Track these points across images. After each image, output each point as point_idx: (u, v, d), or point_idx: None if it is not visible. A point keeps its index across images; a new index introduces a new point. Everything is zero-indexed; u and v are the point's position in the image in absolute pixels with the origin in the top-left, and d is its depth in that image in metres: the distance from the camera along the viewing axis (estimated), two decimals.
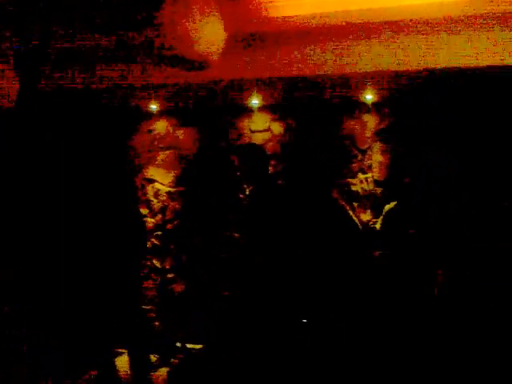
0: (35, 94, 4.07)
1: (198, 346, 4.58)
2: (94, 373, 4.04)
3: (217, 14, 3.03)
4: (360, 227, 4.31)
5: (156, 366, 4.02)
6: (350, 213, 4.33)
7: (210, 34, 2.97)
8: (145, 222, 5.22)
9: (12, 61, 3.32)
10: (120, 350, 4.12)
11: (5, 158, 4.37)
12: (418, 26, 3.92)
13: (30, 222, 4.66)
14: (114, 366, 3.90)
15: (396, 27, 3.96)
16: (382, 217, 4.03)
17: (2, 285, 4.03)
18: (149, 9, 2.93)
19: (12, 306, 3.98)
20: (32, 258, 4.40)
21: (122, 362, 4.05)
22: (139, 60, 3.69)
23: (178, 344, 4.65)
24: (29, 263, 4.36)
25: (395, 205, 3.96)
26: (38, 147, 4.80)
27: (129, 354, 4.09)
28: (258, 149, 3.99)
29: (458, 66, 3.84)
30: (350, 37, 4.05)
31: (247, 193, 4.83)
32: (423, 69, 4.02)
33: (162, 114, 5.36)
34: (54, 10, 3.40)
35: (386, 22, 3.96)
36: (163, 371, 4.20)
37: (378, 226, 4.04)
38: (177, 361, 4.47)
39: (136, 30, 3.19)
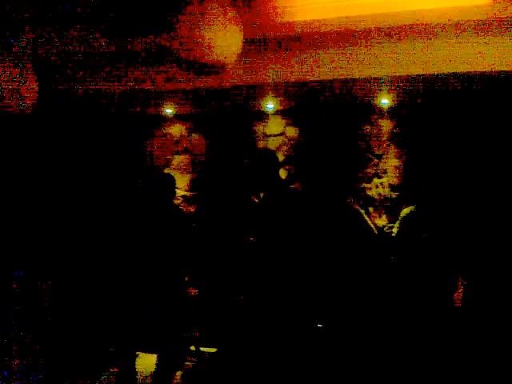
0: (54, 98, 4.12)
1: (212, 350, 4.58)
2: (113, 372, 4.10)
3: (233, 19, 3.04)
4: (376, 232, 4.29)
5: (171, 369, 4.03)
6: (366, 217, 4.31)
7: (226, 40, 2.98)
8: None
9: (31, 64, 3.37)
10: (138, 352, 4.15)
11: (24, 160, 4.43)
12: (434, 30, 3.89)
13: (42, 219, 4.71)
14: (133, 367, 3.94)
15: (412, 31, 3.94)
16: (398, 222, 4.00)
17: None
18: (167, 14, 2.95)
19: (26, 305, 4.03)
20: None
21: (140, 364, 4.09)
22: (156, 65, 3.72)
23: (192, 347, 4.66)
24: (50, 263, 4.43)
25: (412, 209, 3.93)
26: (56, 150, 4.86)
27: (146, 357, 4.15)
28: (269, 153, 4.00)
29: (475, 70, 3.81)
30: (366, 41, 4.04)
31: (261, 197, 4.83)
32: (439, 73, 3.99)
33: (177, 118, 5.40)
34: (72, 13, 3.44)
35: (401, 27, 3.94)
36: (177, 374, 4.21)
37: (394, 230, 4.01)
38: (191, 364, 4.48)
39: (154, 35, 3.22)
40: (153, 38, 3.12)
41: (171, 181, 4.18)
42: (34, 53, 3.32)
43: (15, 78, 3.24)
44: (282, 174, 4.98)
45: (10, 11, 3.32)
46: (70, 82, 3.84)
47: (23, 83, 3.28)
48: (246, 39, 3.25)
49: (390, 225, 4.37)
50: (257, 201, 4.96)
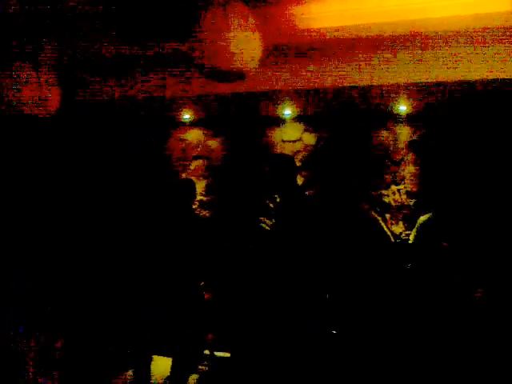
0: (74, 104, 4.19)
1: (226, 354, 4.59)
2: (128, 375, 4.14)
3: (254, 26, 3.07)
4: (392, 239, 4.28)
5: (186, 372, 4.06)
6: (383, 224, 4.30)
7: (247, 47, 3.01)
8: None
9: (52, 71, 3.43)
10: (153, 356, 4.18)
11: (45, 166, 4.50)
12: (453, 37, 3.88)
13: (65, 223, 4.77)
14: (148, 370, 3.97)
15: (431, 38, 3.93)
16: (415, 229, 3.99)
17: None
18: (188, 21, 2.99)
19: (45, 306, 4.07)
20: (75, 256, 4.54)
21: (155, 367, 4.12)
22: (176, 71, 3.77)
23: (207, 351, 4.68)
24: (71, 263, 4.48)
25: (429, 217, 3.91)
26: (77, 155, 4.93)
27: (161, 360, 4.17)
28: (288, 159, 4.02)
29: (495, 77, 3.79)
30: (383, 48, 4.04)
31: (277, 202, 4.85)
32: (458, 81, 3.97)
33: (195, 123, 5.45)
34: (92, 20, 3.50)
35: (419, 34, 3.93)
36: (192, 378, 4.23)
37: (411, 238, 3.99)
38: (205, 368, 4.49)
39: (175, 42, 3.27)
40: (173, 45, 3.16)
41: (192, 186, 4.22)
42: (56, 60, 3.39)
43: (38, 84, 3.31)
44: (299, 179, 4.99)
45: (33, 20, 3.39)
46: (90, 88, 3.91)
47: (46, 89, 3.34)
48: (266, 47, 3.27)
49: (407, 232, 4.36)
50: (272, 205, 4.99)
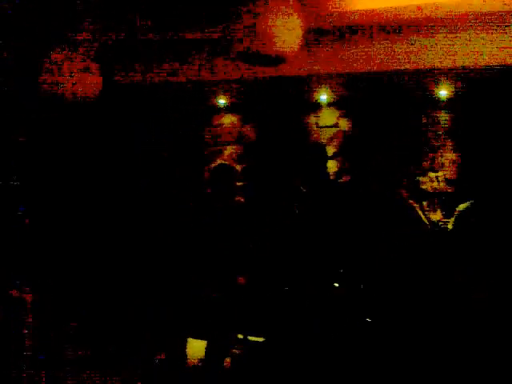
0: (114, 88, 4.23)
1: (260, 339, 4.62)
2: (162, 356, 4.21)
3: (294, 9, 3.03)
4: (429, 227, 4.21)
5: (220, 355, 4.11)
6: (420, 212, 4.24)
7: (287, 30, 2.98)
8: None
9: (95, 56, 3.47)
10: (188, 338, 4.24)
11: (87, 149, 4.57)
12: (493, 20, 3.77)
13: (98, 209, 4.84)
14: (183, 352, 4.03)
15: (470, 21, 3.82)
16: (454, 217, 3.91)
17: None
18: (226, 4, 2.97)
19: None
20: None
21: (190, 349, 4.18)
22: (215, 55, 3.76)
23: (240, 335, 4.71)
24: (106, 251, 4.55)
25: (469, 205, 3.82)
26: (115, 139, 5.00)
27: (196, 342, 4.23)
28: (319, 146, 4.00)
29: None
30: (426, 31, 3.95)
31: (311, 188, 4.82)
32: (499, 65, 3.86)
33: (230, 108, 5.44)
34: (132, 4, 3.52)
35: (459, 16, 3.82)
36: (226, 360, 4.28)
37: (449, 226, 3.92)
38: (238, 351, 4.53)
39: (214, 26, 3.26)
40: (214, 29, 3.15)
41: (232, 171, 4.21)
42: (97, 45, 3.43)
43: (80, 69, 3.35)
44: (334, 166, 4.95)
45: (74, 4, 3.43)
46: (129, 74, 3.95)
47: (87, 74, 3.38)
48: (306, 30, 3.23)
49: (445, 220, 4.28)
50: (305, 191, 4.96)
